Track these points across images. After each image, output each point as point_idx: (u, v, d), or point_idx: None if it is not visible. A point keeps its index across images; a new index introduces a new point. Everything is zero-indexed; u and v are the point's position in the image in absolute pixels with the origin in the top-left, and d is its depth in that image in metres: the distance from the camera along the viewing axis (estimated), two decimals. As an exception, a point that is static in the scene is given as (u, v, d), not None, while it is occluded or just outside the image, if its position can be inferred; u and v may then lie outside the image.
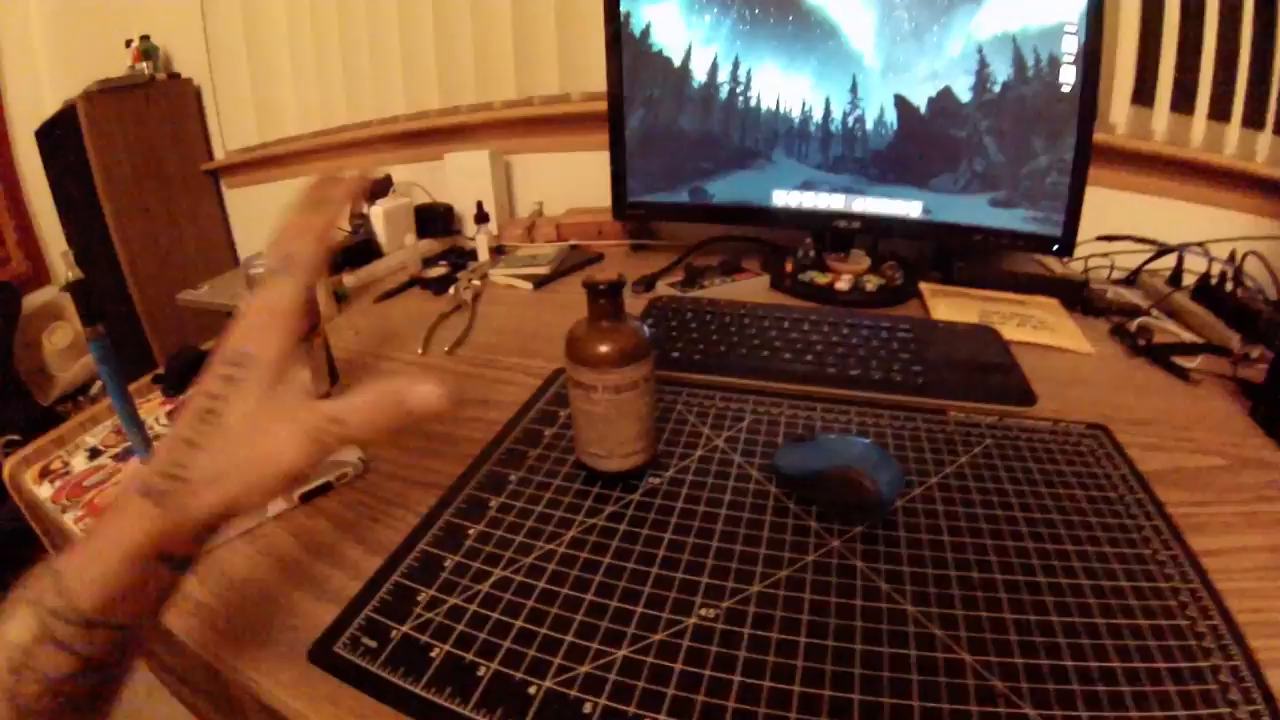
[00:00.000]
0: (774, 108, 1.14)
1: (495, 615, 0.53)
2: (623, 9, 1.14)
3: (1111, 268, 1.17)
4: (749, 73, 1.13)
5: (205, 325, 0.98)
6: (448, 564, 0.58)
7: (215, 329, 0.99)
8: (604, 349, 0.61)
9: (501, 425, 0.78)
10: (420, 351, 0.98)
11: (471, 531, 0.62)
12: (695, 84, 1.15)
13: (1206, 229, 1.10)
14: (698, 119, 1.17)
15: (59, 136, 2.11)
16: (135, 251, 2.09)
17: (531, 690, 0.47)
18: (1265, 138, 1.20)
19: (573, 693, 0.47)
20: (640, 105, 1.19)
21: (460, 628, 0.52)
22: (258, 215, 2.28)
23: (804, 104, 1.12)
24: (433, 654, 0.50)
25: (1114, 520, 0.60)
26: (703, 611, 0.52)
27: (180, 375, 0.90)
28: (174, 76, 2.16)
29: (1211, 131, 1.22)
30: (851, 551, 0.57)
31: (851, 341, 0.90)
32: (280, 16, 1.89)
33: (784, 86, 1.12)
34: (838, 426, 0.76)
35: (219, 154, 2.23)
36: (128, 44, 2.11)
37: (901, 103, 1.09)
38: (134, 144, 2.06)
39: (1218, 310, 0.98)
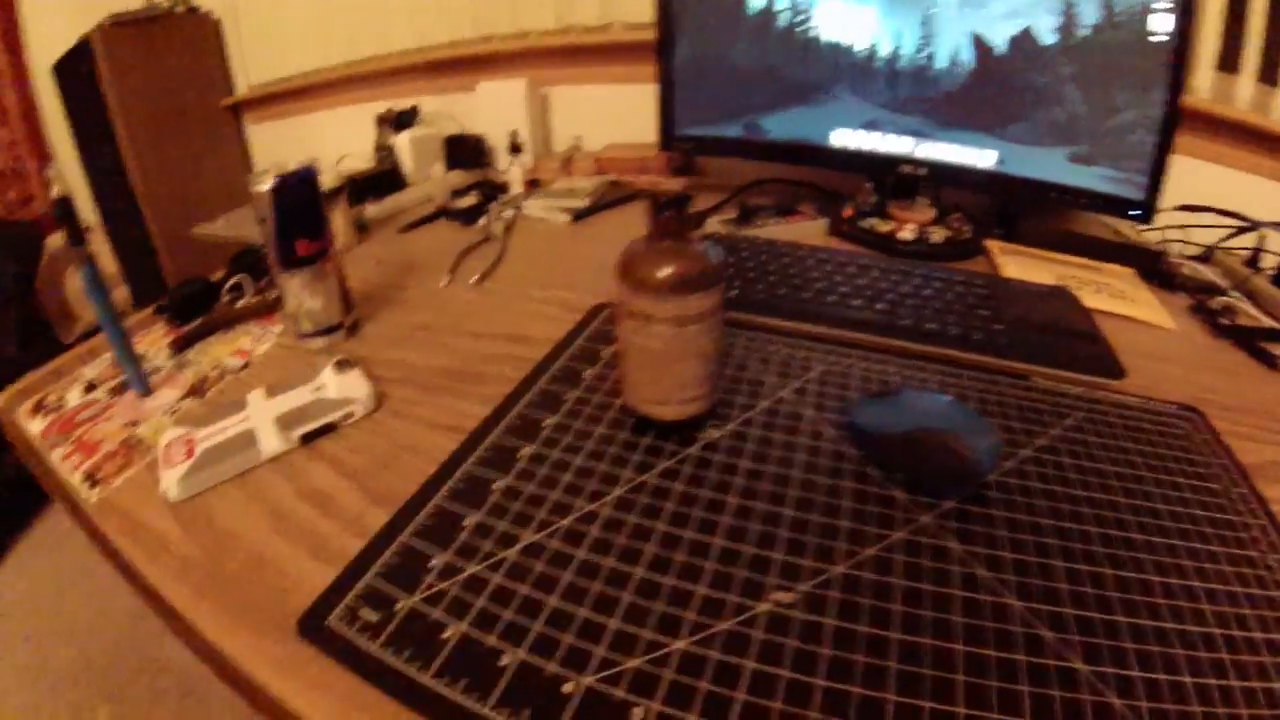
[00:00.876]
0: (837, 40, 1.01)
1: (524, 590, 0.43)
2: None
3: (1184, 242, 1.04)
4: (810, 2, 1.00)
5: (224, 259, 0.88)
6: (468, 522, 0.48)
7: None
8: (667, 272, 0.50)
9: (535, 363, 0.68)
10: (445, 283, 0.87)
11: (497, 485, 0.52)
12: (751, 10, 1.03)
13: None
14: (754, 49, 1.05)
15: (75, 72, 2.01)
16: (153, 187, 2.00)
17: (567, 688, 0.37)
18: None
19: (618, 693, 0.37)
20: (691, 32, 1.07)
21: (480, 603, 0.42)
22: (280, 149, 2.13)
23: (871, 37, 0.99)
24: (445, 635, 0.40)
25: (1220, 515, 0.51)
26: (777, 595, 0.42)
27: (184, 305, 0.81)
28: (192, 10, 2.05)
29: None
30: (945, 530, 0.48)
31: (924, 294, 0.80)
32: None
33: (849, 17, 0.99)
34: (916, 384, 0.65)
35: (240, 88, 2.11)
36: None
37: (978, 41, 0.96)
38: (152, 79, 1.96)
39: None
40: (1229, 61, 1.12)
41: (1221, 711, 0.36)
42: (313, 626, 0.41)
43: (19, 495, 1.80)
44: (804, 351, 0.70)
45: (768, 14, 1.02)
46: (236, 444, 0.57)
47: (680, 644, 0.39)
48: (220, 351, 0.75)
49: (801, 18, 1.01)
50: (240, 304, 0.82)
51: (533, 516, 0.49)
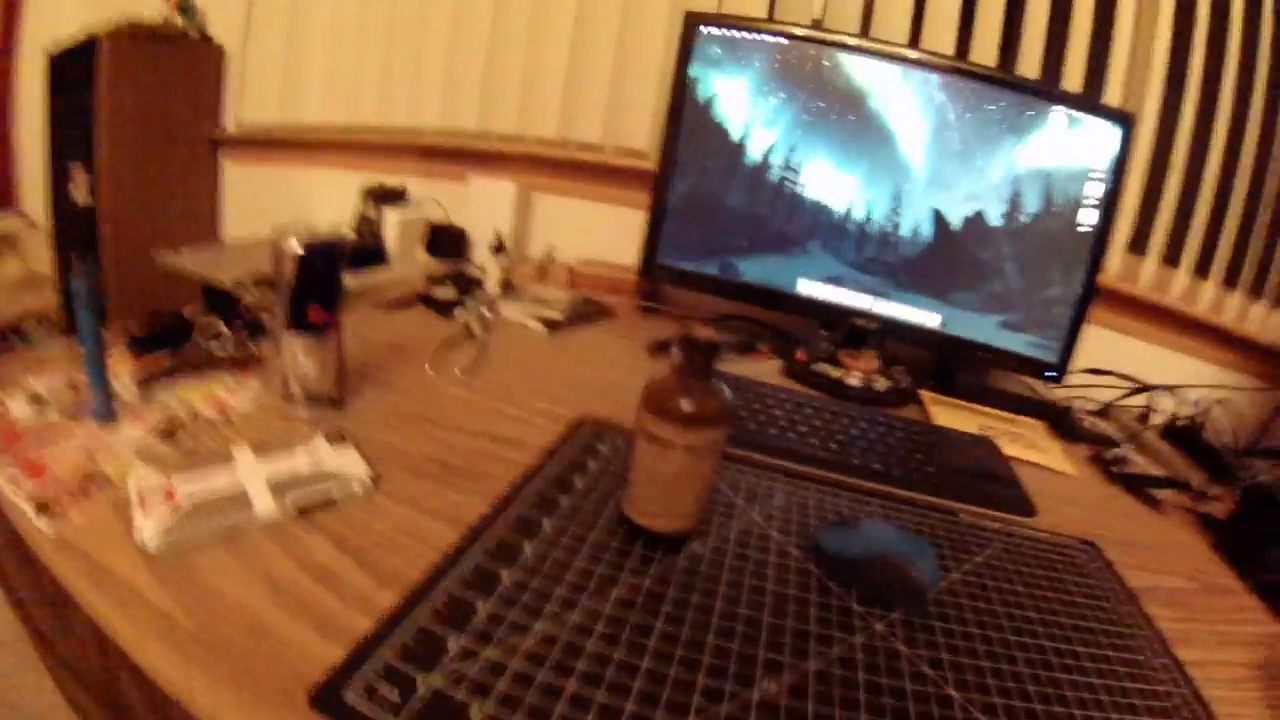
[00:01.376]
0: (819, 200, 1.12)
1: (542, 675, 0.44)
2: (691, 74, 1.10)
3: (1086, 400, 1.20)
4: (802, 162, 1.11)
5: (172, 291, 0.86)
6: (480, 610, 0.49)
7: (181, 297, 0.86)
8: (693, 407, 0.55)
9: (526, 467, 0.69)
10: (430, 373, 0.88)
11: (506, 577, 0.52)
12: (749, 162, 1.12)
13: (1178, 374, 1.20)
14: (743, 196, 1.14)
15: (72, 66, 1.93)
16: (119, 202, 1.90)
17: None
18: (1235, 298, 1.31)
19: None
20: (689, 171, 1.15)
21: (502, 687, 0.42)
22: (252, 197, 2.09)
23: (849, 201, 1.11)
24: (471, 714, 0.40)
25: (1114, 629, 0.61)
26: (765, 684, 0.48)
27: (158, 337, 0.78)
28: (206, 38, 2.01)
29: (1192, 287, 1.32)
30: (894, 635, 0.55)
31: (870, 437, 0.90)
32: (327, 4, 1.80)
33: (833, 181, 1.11)
34: (868, 515, 0.73)
35: (229, 125, 2.07)
36: None
37: (939, 217, 1.10)
38: (146, 94, 1.89)
39: (1183, 449, 1.05)
40: (1138, 244, 1.31)
41: None
42: (329, 699, 0.40)
43: None
44: (767, 481, 0.75)
45: (763, 166, 1.12)
46: (227, 503, 0.55)
47: None
48: (192, 395, 0.72)
49: (792, 174, 1.11)
50: (218, 354, 0.80)
51: (541, 608, 0.50)
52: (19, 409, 0.65)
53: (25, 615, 0.68)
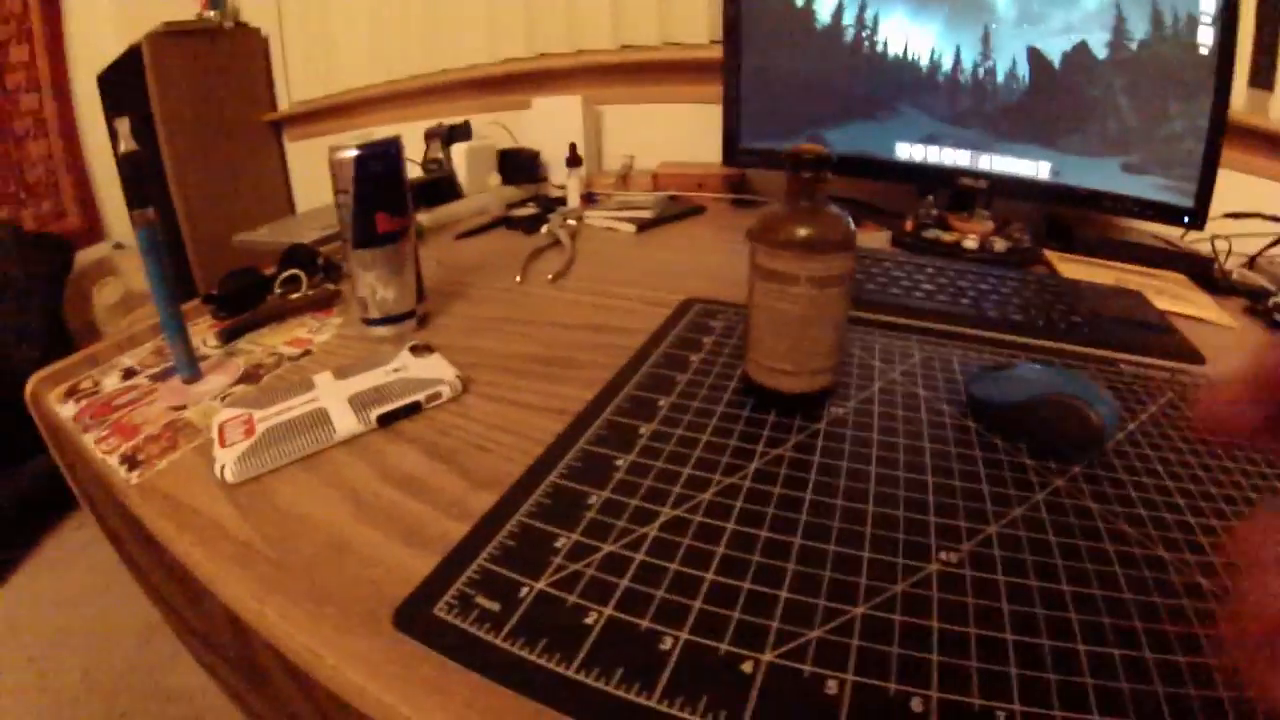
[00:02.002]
0: (901, 55, 0.97)
1: (674, 566, 0.35)
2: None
3: (1229, 252, 1.00)
4: (876, 17, 0.97)
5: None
6: (593, 500, 0.40)
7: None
8: (810, 230, 0.46)
9: (633, 350, 0.60)
10: (518, 279, 0.80)
11: (620, 462, 0.43)
12: (819, 26, 0.99)
13: None
14: (819, 64, 1.01)
15: (121, 81, 1.97)
16: (191, 200, 1.94)
17: (746, 667, 0.29)
18: None
19: (806, 667, 0.29)
20: (758, 46, 1.03)
21: (625, 583, 0.34)
22: (320, 167, 2.04)
23: (933, 52, 0.96)
24: (589, 620, 0.31)
25: None
26: (944, 555, 0.38)
27: (234, 297, 0.73)
28: (241, 25, 2.01)
29: None
30: (1080, 491, 0.44)
31: (1002, 291, 0.77)
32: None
33: (912, 33, 0.96)
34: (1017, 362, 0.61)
35: (283, 105, 2.06)
36: None
37: (1035, 55, 0.93)
38: (197, 91, 1.91)
39: None
40: (1261, 79, 1.10)
41: None
42: (415, 618, 0.32)
43: (32, 512, 1.70)
44: (901, 341, 0.64)
45: (835, 28, 0.99)
46: (305, 423, 0.48)
47: (860, 609, 0.33)
48: (274, 340, 0.67)
49: (867, 32, 0.98)
50: (295, 296, 0.74)
51: (669, 491, 0.41)
52: (111, 383, 0.61)
53: (156, 595, 0.65)
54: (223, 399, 0.56)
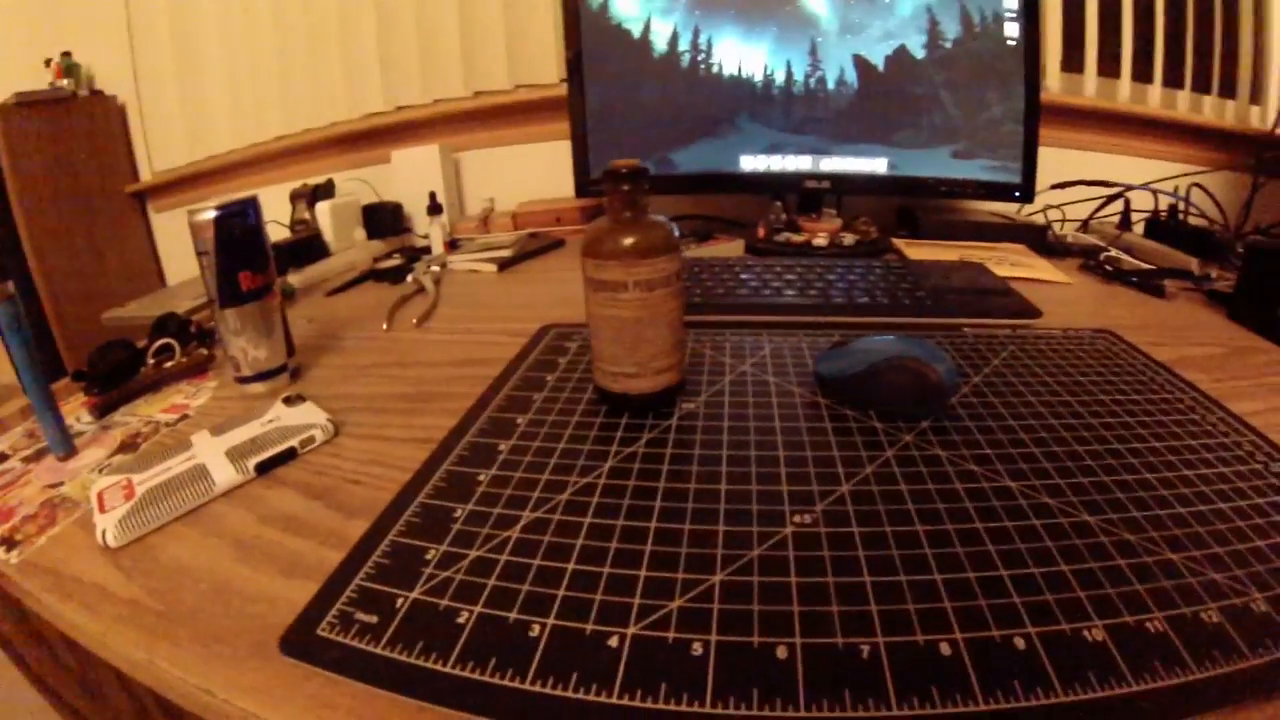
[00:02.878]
0: (737, 74, 1.03)
1: (536, 562, 0.37)
2: (581, -17, 1.01)
3: (1063, 220, 1.12)
4: (709, 41, 1.03)
5: None
6: (458, 514, 0.42)
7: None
8: (633, 240, 0.48)
9: (493, 378, 0.62)
10: (385, 328, 0.80)
11: (483, 478, 0.46)
12: (656, 55, 1.04)
13: (1147, 175, 1.10)
14: (660, 90, 1.05)
15: None
16: (54, 278, 1.80)
17: (612, 642, 0.31)
18: (1184, 96, 1.22)
19: (670, 634, 0.31)
20: (601, 79, 1.06)
21: (492, 582, 0.36)
22: (187, 238, 1.91)
23: (766, 68, 1.03)
24: (461, 619, 0.33)
25: (1157, 397, 0.55)
26: (797, 518, 0.40)
27: (108, 372, 0.70)
28: (97, 93, 1.89)
29: (1135, 92, 1.23)
30: (927, 443, 0.48)
31: (849, 278, 0.82)
32: (211, 29, 1.67)
33: (745, 53, 1.03)
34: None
35: (145, 174, 1.95)
36: (47, 63, 1.84)
37: (860, 62, 1.02)
38: (54, 163, 1.78)
39: (1170, 242, 0.96)
40: (1073, 62, 1.22)
41: (1223, 527, 0.39)
42: (299, 642, 0.33)
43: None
44: (751, 337, 0.68)
45: (672, 55, 1.03)
46: (185, 479, 0.48)
47: (718, 577, 0.35)
48: (150, 410, 0.65)
49: (703, 55, 1.03)
50: (170, 365, 0.73)
51: (528, 497, 0.43)
52: (-21, 469, 0.58)
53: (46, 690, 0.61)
54: (100, 470, 0.55)
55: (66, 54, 1.83)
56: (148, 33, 1.76)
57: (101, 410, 0.65)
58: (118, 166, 1.92)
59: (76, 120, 1.82)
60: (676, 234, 0.50)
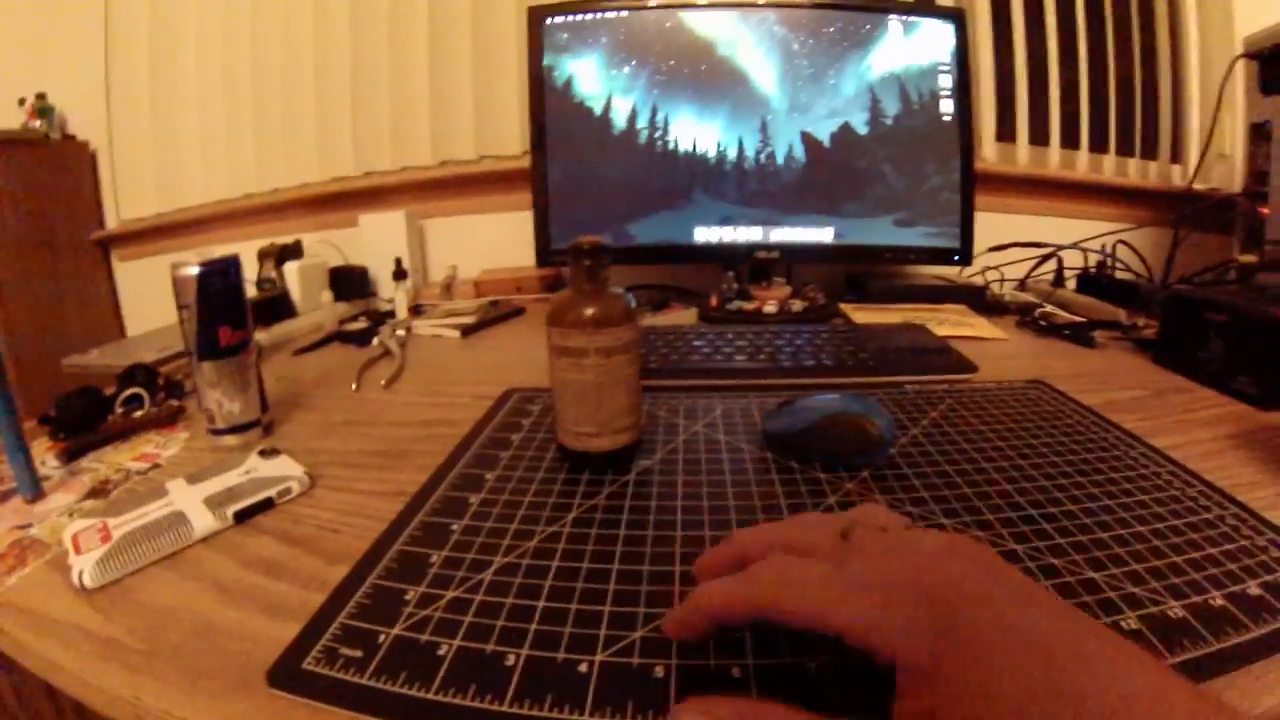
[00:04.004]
0: (691, 150, 1.11)
1: (510, 600, 0.40)
2: (546, 62, 1.08)
3: (1002, 280, 1.21)
4: (666, 119, 1.10)
5: None
6: (434, 559, 0.45)
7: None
8: (594, 310, 0.53)
9: (462, 437, 0.65)
10: (354, 388, 0.83)
11: (455, 527, 0.49)
12: (616, 131, 1.11)
13: (1077, 235, 1.20)
14: (619, 164, 1.12)
15: None
16: (14, 320, 1.75)
17: (582, 668, 0.34)
18: (1110, 159, 1.37)
19: (635, 660, 0.35)
20: (562, 154, 1.12)
21: (469, 619, 0.39)
22: (150, 289, 1.91)
23: (719, 144, 1.11)
24: (441, 651, 0.36)
25: (1083, 438, 0.60)
26: None
27: (75, 417, 0.71)
28: (69, 138, 1.89)
29: (1064, 158, 1.37)
30: (868, 489, 0.52)
31: (797, 343, 0.88)
32: (189, 83, 1.71)
33: (700, 130, 1.10)
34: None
35: (111, 222, 1.94)
36: (21, 102, 1.84)
37: (807, 138, 1.10)
38: (20, 203, 1.75)
39: (1100, 295, 1.05)
40: (1006, 133, 1.35)
41: (1159, 543, 0.44)
42: (286, 674, 0.36)
43: None
44: (704, 400, 0.73)
45: (630, 132, 1.10)
46: (163, 524, 0.50)
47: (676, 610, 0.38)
48: (120, 458, 0.66)
49: (660, 132, 1.10)
50: (139, 414, 0.74)
51: (499, 544, 0.46)
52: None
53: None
54: (71, 514, 0.56)
55: (41, 95, 1.84)
56: (125, 80, 1.78)
57: (69, 455, 0.66)
58: (84, 212, 1.90)
59: (46, 162, 1.81)
60: (634, 305, 0.55)
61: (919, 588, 0.27)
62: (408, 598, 0.41)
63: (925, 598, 0.27)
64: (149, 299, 1.94)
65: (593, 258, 0.53)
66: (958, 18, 1.09)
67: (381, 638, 0.37)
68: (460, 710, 0.32)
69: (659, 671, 0.34)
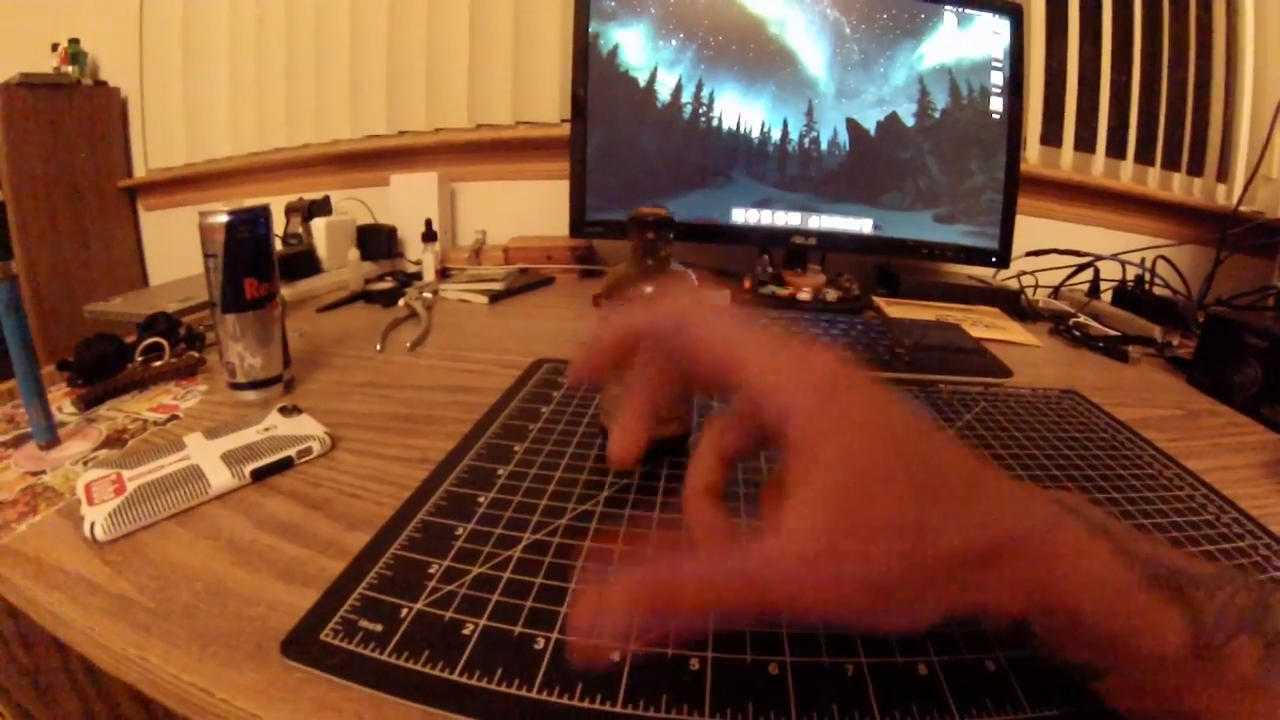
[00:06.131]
0: (734, 129, 1.07)
1: (539, 580, 0.38)
2: (592, 30, 1.04)
3: (1036, 286, 1.17)
4: (711, 95, 1.06)
5: None
6: (460, 531, 0.42)
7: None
8: (655, 288, 0.50)
9: (488, 407, 0.63)
10: (379, 348, 0.81)
11: (482, 499, 0.46)
12: (659, 104, 1.07)
13: (1118, 247, 1.15)
14: (659, 139, 1.08)
15: None
16: (37, 265, 1.74)
17: (615, 657, 0.32)
18: (1154, 172, 1.31)
19: (669, 651, 0.33)
20: (602, 123, 1.08)
21: (496, 598, 0.36)
22: (176, 238, 1.86)
23: (763, 125, 1.07)
24: (466, 631, 0.34)
25: (1117, 453, 0.59)
26: None
27: (93, 364, 0.69)
28: (100, 84, 1.86)
29: (1109, 167, 1.31)
30: None
31: (832, 334, 0.85)
32: (222, 34, 1.68)
33: (744, 109, 1.07)
34: None
35: (139, 171, 1.91)
36: (54, 47, 1.81)
37: (853, 125, 1.07)
38: (50, 148, 1.73)
39: (1137, 310, 1.02)
40: (1052, 137, 1.31)
41: None
42: (302, 646, 0.33)
43: None
44: None
45: (674, 106, 1.06)
46: (179, 479, 0.48)
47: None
48: (138, 407, 0.65)
49: (704, 109, 1.06)
50: (159, 364, 0.72)
51: (528, 520, 0.44)
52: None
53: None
54: (85, 463, 0.54)
55: (74, 41, 1.81)
56: (159, 29, 1.75)
57: (86, 402, 0.64)
58: (112, 160, 1.88)
59: (77, 108, 1.79)
60: (696, 284, 0.51)
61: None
62: (432, 571, 0.38)
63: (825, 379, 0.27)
64: (174, 250, 1.92)
65: (655, 230, 0.49)
66: (1015, 12, 1.05)
67: (404, 611, 0.35)
68: (487, 694, 0.30)
69: (694, 664, 0.32)
